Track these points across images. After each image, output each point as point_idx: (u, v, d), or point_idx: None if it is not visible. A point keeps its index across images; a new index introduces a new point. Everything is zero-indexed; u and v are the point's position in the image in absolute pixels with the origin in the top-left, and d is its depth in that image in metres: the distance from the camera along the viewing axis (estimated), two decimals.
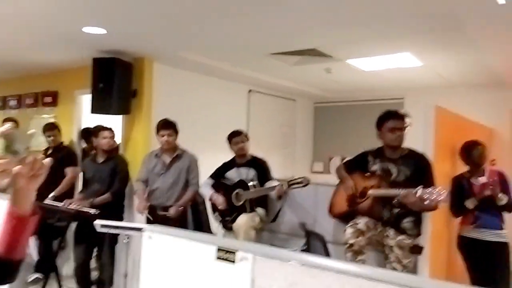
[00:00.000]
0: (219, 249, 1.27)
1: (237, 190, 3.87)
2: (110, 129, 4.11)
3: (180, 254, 1.39)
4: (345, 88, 6.66)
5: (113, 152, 4.22)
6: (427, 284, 0.94)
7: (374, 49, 4.27)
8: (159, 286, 1.40)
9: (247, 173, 3.94)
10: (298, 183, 3.58)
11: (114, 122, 4.53)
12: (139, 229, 1.54)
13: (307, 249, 3.54)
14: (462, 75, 5.40)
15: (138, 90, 4.63)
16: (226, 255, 1.26)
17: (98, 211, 3.62)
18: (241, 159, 4.03)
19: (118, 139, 4.57)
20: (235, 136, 4.00)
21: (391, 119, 3.06)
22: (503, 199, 3.43)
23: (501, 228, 3.54)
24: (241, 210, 3.80)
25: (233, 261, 1.24)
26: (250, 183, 3.80)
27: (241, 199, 3.82)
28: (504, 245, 3.53)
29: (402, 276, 1.03)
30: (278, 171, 6.65)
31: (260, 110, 6.55)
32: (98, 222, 2.41)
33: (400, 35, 3.73)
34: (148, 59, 4.69)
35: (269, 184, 3.82)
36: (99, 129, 4.09)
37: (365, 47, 4.21)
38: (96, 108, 4.37)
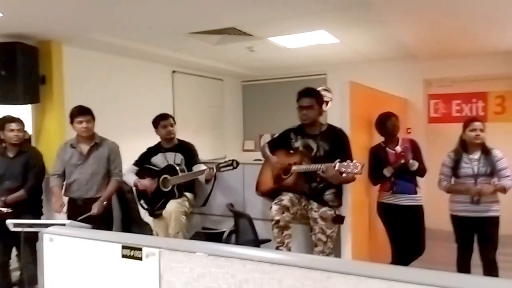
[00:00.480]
0: (124, 247, 1.21)
1: (164, 176, 3.78)
2: (18, 120, 3.77)
3: (85, 255, 1.31)
4: (270, 66, 6.70)
5: (24, 145, 3.89)
6: (323, 263, 0.97)
7: (291, 27, 4.31)
8: None
9: (174, 158, 3.85)
10: (227, 165, 3.57)
11: (23, 112, 4.17)
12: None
13: (236, 229, 3.58)
14: (377, 50, 5.65)
15: (47, 76, 4.28)
16: (132, 252, 1.21)
17: (11, 210, 3.36)
18: (168, 144, 3.92)
19: (29, 130, 4.23)
20: (162, 120, 3.88)
21: (299, 98, 3.16)
22: (414, 164, 3.69)
23: (416, 193, 3.81)
24: (169, 196, 3.73)
25: (140, 258, 1.19)
26: (177, 168, 3.73)
27: (168, 184, 3.74)
28: (419, 207, 3.82)
29: (303, 258, 1.05)
30: (210, 152, 6.64)
31: (186, 91, 6.40)
32: (10, 222, 2.23)
33: (314, 13, 3.78)
34: (56, 42, 4.33)
35: (196, 168, 3.77)
36: (5, 120, 3.74)
37: (282, 25, 4.23)
38: (0, 98, 3.99)
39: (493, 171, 3.40)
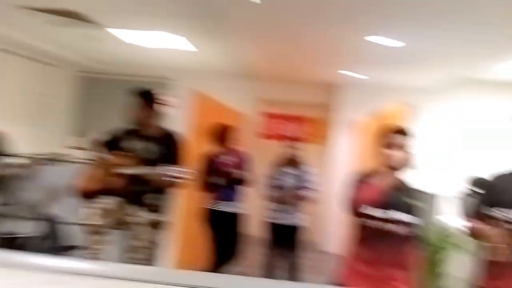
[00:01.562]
0: None
1: None
2: None
3: None
4: (114, 61, 6.32)
5: None
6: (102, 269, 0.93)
7: (142, 24, 4.14)
8: None
9: None
10: (45, 160, 3.17)
11: None
12: None
13: (43, 233, 3.22)
14: (221, 63, 5.89)
15: None
16: None
17: None
18: None
19: None
20: None
21: (132, 98, 3.05)
22: (244, 175, 3.96)
23: (239, 201, 4.06)
24: None
25: None
26: None
27: None
28: (242, 215, 4.07)
29: (116, 267, 0.99)
30: (29, 144, 5.83)
31: (6, 73, 5.53)
32: None
33: (171, 15, 3.71)
34: None
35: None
36: None
37: (134, 19, 4.03)
38: None
39: (303, 184, 3.87)
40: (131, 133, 3.12)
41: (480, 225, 1.94)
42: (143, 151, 3.07)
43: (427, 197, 2.21)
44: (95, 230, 2.82)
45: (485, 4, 2.79)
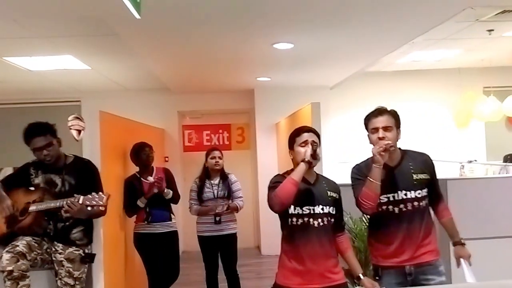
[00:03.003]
0: None
1: None
2: None
3: None
4: (11, 89, 5.85)
5: None
6: None
7: (30, 48, 3.91)
8: None
9: None
10: None
11: None
12: None
13: None
14: (132, 80, 5.73)
15: None
16: None
17: None
18: None
19: None
20: None
21: (30, 138, 2.77)
22: (169, 193, 3.85)
23: (171, 219, 3.95)
24: None
25: None
26: None
27: None
28: (174, 233, 3.96)
29: None
30: None
31: None
32: None
33: (57, 36, 3.55)
34: None
35: None
36: None
37: (23, 46, 3.79)
38: None
39: (229, 193, 3.88)
40: (41, 166, 2.89)
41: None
42: (57, 183, 2.86)
43: (339, 188, 2.35)
44: (13, 276, 2.57)
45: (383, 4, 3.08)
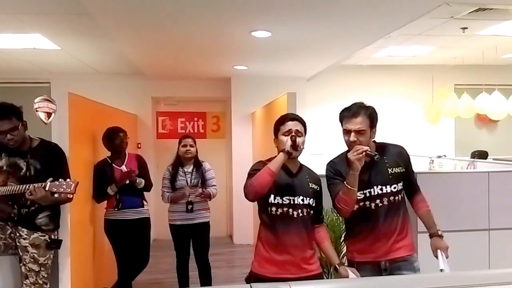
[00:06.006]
0: None
1: None
2: None
3: None
4: None
5: None
6: None
7: (0, 25, 3.72)
8: None
9: None
10: None
11: None
12: None
13: None
14: (104, 63, 5.56)
15: None
16: None
17: None
18: None
19: None
20: None
21: None
22: (141, 183, 3.77)
23: (143, 206, 3.87)
24: None
25: None
26: None
27: None
28: (146, 220, 3.90)
29: None
30: None
31: None
32: None
33: (24, 13, 3.38)
34: None
35: None
36: None
37: None
38: None
39: (203, 181, 3.83)
40: (5, 149, 2.76)
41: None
42: (22, 167, 2.75)
43: (321, 180, 2.34)
44: None
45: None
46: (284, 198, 2.18)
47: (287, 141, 2.15)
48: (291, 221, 2.18)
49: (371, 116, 2.24)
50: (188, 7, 3.23)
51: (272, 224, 2.20)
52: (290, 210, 2.18)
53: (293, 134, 2.18)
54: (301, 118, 2.29)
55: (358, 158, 2.09)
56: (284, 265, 2.19)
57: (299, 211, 2.19)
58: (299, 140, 2.19)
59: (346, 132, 2.23)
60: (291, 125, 2.21)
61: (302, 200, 2.20)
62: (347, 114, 2.24)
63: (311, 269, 2.23)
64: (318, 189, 2.29)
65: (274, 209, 2.18)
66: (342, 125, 2.29)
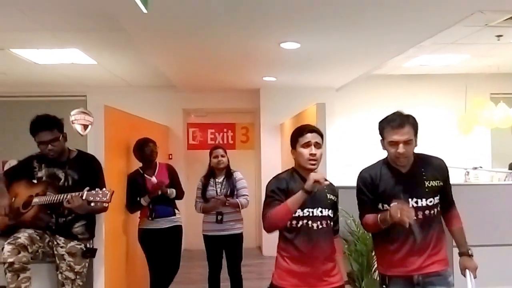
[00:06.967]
0: None
1: None
2: None
3: None
4: (17, 81, 5.86)
5: None
6: None
7: (37, 41, 3.92)
8: None
9: None
10: None
11: None
12: None
13: None
14: (138, 76, 5.73)
15: None
16: None
17: None
18: None
19: None
20: None
21: (36, 132, 2.79)
22: (172, 193, 3.83)
23: (175, 214, 3.93)
24: None
25: None
26: None
27: None
28: (179, 227, 3.94)
29: None
30: None
31: None
32: None
33: (63, 30, 3.55)
34: None
35: None
36: None
37: (30, 38, 3.80)
38: None
39: (233, 191, 3.84)
40: (45, 160, 2.89)
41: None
42: (60, 177, 2.86)
43: (338, 191, 2.29)
44: (14, 268, 2.57)
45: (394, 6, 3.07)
46: (304, 211, 2.15)
47: (309, 178, 2.07)
48: (311, 233, 2.16)
49: (415, 125, 2.18)
50: (218, 20, 3.30)
51: (292, 237, 2.18)
52: (310, 222, 2.16)
53: (315, 145, 2.16)
54: (318, 129, 2.25)
55: (405, 220, 2.02)
56: (305, 277, 2.16)
57: (319, 223, 2.16)
58: (317, 152, 2.16)
59: (393, 144, 2.14)
60: (310, 137, 2.17)
61: (321, 211, 2.18)
62: (393, 124, 2.14)
63: (332, 281, 2.19)
64: (335, 199, 2.26)
65: (294, 222, 2.16)
66: (383, 136, 2.20)
